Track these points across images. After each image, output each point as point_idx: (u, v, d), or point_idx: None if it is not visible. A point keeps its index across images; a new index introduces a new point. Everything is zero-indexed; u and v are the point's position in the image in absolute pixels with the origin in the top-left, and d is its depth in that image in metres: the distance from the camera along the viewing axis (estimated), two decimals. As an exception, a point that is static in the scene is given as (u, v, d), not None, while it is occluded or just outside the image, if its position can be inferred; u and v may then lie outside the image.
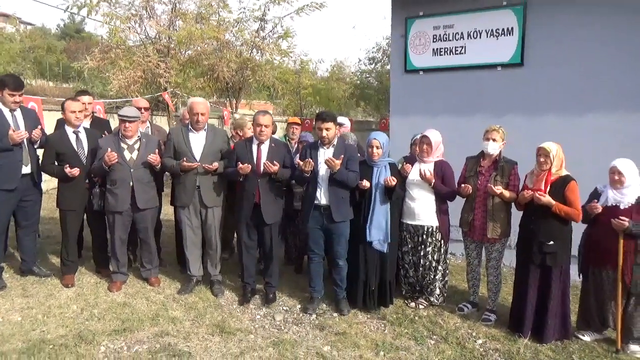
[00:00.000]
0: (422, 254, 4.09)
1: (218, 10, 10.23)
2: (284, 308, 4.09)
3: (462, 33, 5.67)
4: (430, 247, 4.08)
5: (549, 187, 3.51)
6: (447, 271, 4.29)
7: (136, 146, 4.15)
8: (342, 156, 3.78)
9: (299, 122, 5.50)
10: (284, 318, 3.89)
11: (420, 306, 4.15)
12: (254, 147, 4.02)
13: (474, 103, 5.59)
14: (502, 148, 3.93)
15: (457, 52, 5.73)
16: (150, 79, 9.07)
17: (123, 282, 4.37)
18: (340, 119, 5.53)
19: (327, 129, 3.82)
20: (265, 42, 10.85)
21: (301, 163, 3.79)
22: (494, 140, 3.86)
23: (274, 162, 3.88)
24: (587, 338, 3.66)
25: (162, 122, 10.28)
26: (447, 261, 4.28)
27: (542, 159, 3.54)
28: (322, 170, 3.86)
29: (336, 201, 3.84)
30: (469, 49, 5.64)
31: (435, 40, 5.85)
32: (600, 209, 3.44)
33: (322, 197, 3.88)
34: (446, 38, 5.78)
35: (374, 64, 15.88)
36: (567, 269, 3.59)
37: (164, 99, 9.11)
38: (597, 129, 4.88)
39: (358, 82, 15.68)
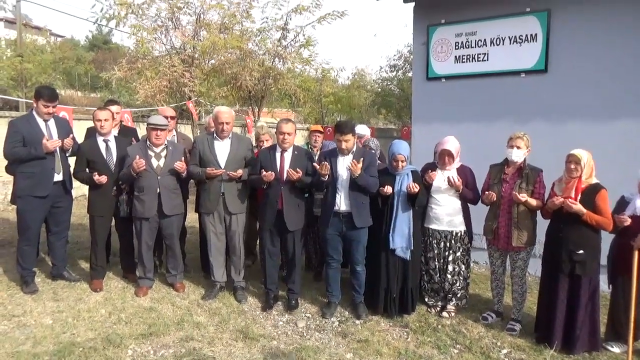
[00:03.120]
0: (450, 259, 4.08)
1: (241, 20, 10.38)
2: (307, 315, 4.11)
3: (484, 40, 5.64)
4: (459, 252, 4.08)
5: (579, 196, 3.45)
6: (470, 275, 4.27)
7: (163, 154, 4.25)
8: (363, 160, 3.80)
9: (322, 129, 5.53)
10: (307, 325, 3.92)
11: (451, 314, 4.12)
12: (277, 155, 4.08)
13: (496, 110, 5.55)
14: (527, 155, 3.89)
15: (479, 59, 5.70)
16: (175, 88, 9.27)
17: (149, 287, 4.46)
18: (359, 129, 5.56)
19: (346, 141, 3.86)
20: (287, 51, 10.96)
21: (318, 167, 3.83)
22: (518, 147, 3.83)
23: (297, 169, 3.92)
24: (616, 349, 3.57)
25: (186, 130, 10.49)
26: (470, 266, 4.25)
27: (572, 166, 3.48)
28: (343, 176, 3.90)
29: (357, 207, 3.87)
30: (491, 56, 5.61)
31: (457, 47, 5.83)
32: (629, 222, 3.35)
33: (341, 203, 3.91)
34: (468, 45, 5.76)
35: (395, 72, 15.88)
36: (596, 279, 3.52)
37: (188, 107, 9.29)
38: (624, 134, 4.78)
39: (379, 89, 15.69)
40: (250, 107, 11.52)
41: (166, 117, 4.63)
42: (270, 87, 10.94)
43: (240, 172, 4.16)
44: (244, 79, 10.06)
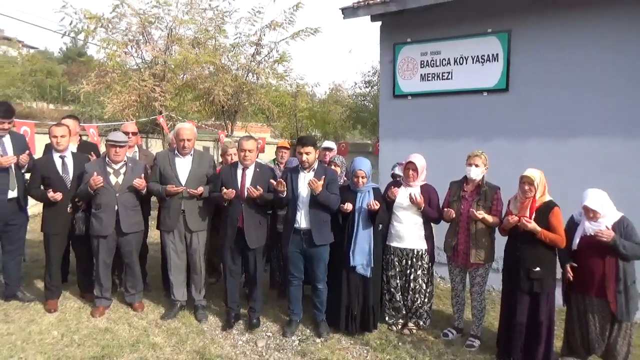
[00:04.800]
0: (412, 277, 4.08)
1: (214, 35, 10.40)
2: (267, 334, 4.05)
3: (448, 59, 5.77)
4: (420, 270, 4.08)
5: (534, 214, 3.52)
6: (433, 294, 4.28)
7: (122, 170, 4.18)
8: (324, 177, 3.81)
9: (288, 146, 5.56)
10: (267, 344, 3.86)
11: (412, 331, 4.12)
12: (239, 172, 4.06)
13: (461, 128, 5.65)
14: (485, 173, 3.96)
15: (444, 78, 5.82)
16: (145, 103, 9.18)
17: (106, 307, 4.34)
18: (327, 144, 5.62)
19: (307, 153, 3.87)
20: (260, 66, 11.01)
21: (274, 183, 3.82)
22: (476, 165, 3.89)
23: (258, 187, 3.90)
24: (571, 364, 3.63)
25: (157, 145, 10.36)
26: (433, 284, 4.26)
27: (526, 187, 3.56)
28: (303, 193, 3.90)
29: (317, 224, 3.86)
30: (455, 75, 5.73)
31: (422, 65, 5.94)
32: (575, 247, 3.46)
33: (302, 220, 3.90)
34: (433, 64, 5.88)
35: (369, 87, 16.08)
36: (552, 294, 3.57)
37: (159, 122, 9.20)
38: (580, 153, 4.92)
39: (354, 105, 15.86)
40: (224, 122, 11.47)
41: (127, 134, 4.58)
42: (243, 102, 10.94)
43: (201, 189, 4.12)
44: (217, 93, 10.03)
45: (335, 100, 16.55)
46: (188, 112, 10.73)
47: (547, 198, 3.60)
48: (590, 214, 3.38)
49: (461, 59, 5.69)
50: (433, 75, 5.89)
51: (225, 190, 3.90)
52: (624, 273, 3.30)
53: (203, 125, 11.97)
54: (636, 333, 4.26)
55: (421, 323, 4.18)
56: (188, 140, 4.13)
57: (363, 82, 16.60)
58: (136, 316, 4.27)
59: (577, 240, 3.48)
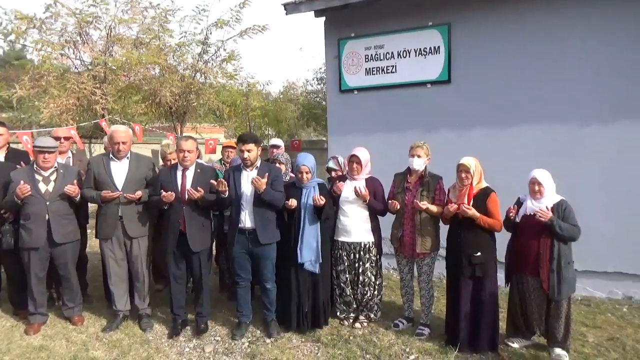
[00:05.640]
0: (360, 270, 4.07)
1: (159, 35, 10.05)
2: (216, 338, 3.94)
3: (392, 53, 5.83)
4: (369, 264, 4.08)
5: (472, 201, 3.59)
6: (382, 286, 4.29)
7: (52, 177, 3.95)
8: (268, 175, 3.74)
9: (234, 145, 5.43)
10: (214, 349, 3.75)
11: (364, 324, 4.12)
12: (179, 174, 3.92)
13: (407, 120, 5.72)
14: (428, 163, 4.00)
15: (388, 71, 5.88)
16: (86, 106, 8.74)
17: (42, 323, 4.09)
18: (274, 141, 5.55)
19: (248, 151, 3.78)
20: (208, 66, 10.74)
21: (214, 183, 3.72)
22: (418, 156, 3.93)
23: (199, 188, 3.78)
24: (516, 345, 3.73)
25: (100, 150, 9.92)
26: (382, 276, 4.28)
27: (463, 175, 3.63)
28: (246, 192, 3.81)
29: (262, 223, 3.79)
30: (399, 68, 5.80)
31: (367, 60, 5.98)
32: (513, 213, 3.58)
33: (246, 220, 3.81)
34: (377, 58, 5.92)
35: (322, 84, 16.06)
36: (494, 278, 3.66)
37: (101, 126, 8.79)
38: (520, 141, 5.09)
39: (305, 102, 15.80)
40: (172, 124, 11.13)
41: (59, 139, 4.34)
42: (192, 103, 10.63)
43: (139, 193, 3.95)
44: (163, 95, 9.70)
45: (289, 99, 16.45)
46: (134, 114, 10.31)
47: (484, 184, 3.69)
48: (536, 187, 3.50)
49: (404, 52, 5.76)
50: (378, 69, 5.93)
51: (164, 193, 3.75)
52: (558, 253, 3.41)
53: (151, 128, 11.56)
54: (577, 310, 4.49)
55: (372, 316, 4.19)
56: (123, 143, 3.95)
57: (315, 79, 16.58)
58: (75, 330, 4.05)
59: (520, 216, 3.60)
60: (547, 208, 3.45)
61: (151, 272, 5.07)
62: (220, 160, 5.46)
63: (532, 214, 3.51)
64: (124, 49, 8.96)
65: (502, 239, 3.74)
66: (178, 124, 11.08)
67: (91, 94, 8.45)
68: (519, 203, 3.69)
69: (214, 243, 4.84)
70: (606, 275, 4.88)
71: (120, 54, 8.86)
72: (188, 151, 3.85)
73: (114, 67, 8.99)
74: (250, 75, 15.89)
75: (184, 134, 3.84)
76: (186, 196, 3.80)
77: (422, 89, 5.67)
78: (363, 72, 6.01)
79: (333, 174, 4.58)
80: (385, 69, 5.90)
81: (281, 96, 17.01)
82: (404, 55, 5.78)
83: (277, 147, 5.45)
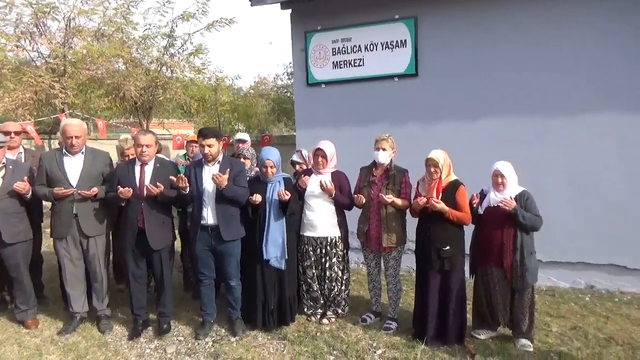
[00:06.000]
0: (327, 266, 4.01)
1: (121, 27, 9.72)
2: (179, 338, 3.82)
3: (359, 46, 5.77)
4: (335, 258, 4.02)
5: (441, 194, 3.58)
6: (350, 281, 4.25)
7: (0, 174, 3.72)
8: (229, 170, 3.62)
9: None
10: (177, 350, 3.63)
11: (331, 320, 4.07)
12: (137, 169, 3.76)
13: (374, 114, 5.69)
14: (393, 156, 3.97)
15: (356, 65, 5.82)
16: (44, 100, 8.39)
17: (-8, 328, 3.88)
18: (240, 136, 5.42)
19: (209, 146, 3.66)
20: (175, 59, 10.48)
21: (174, 179, 3.59)
22: (383, 149, 3.89)
23: (158, 183, 3.63)
24: (482, 336, 3.75)
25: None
26: (349, 271, 4.23)
27: (432, 169, 3.61)
28: (208, 188, 3.69)
29: (225, 220, 3.67)
30: (367, 61, 5.75)
31: (334, 53, 5.90)
32: (477, 201, 3.60)
33: (209, 216, 3.69)
34: (345, 51, 5.86)
35: (292, 79, 15.89)
36: (462, 272, 3.66)
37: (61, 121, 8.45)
38: (486, 133, 5.12)
39: (275, 96, 15.63)
40: (138, 119, 10.81)
41: (9, 133, 4.11)
42: (158, 97, 10.36)
43: (94, 190, 3.76)
44: (128, 89, 9.41)
45: (260, 94, 16.24)
46: (97, 109, 9.97)
47: (453, 177, 3.67)
48: (499, 179, 3.52)
49: (372, 46, 5.71)
50: (345, 63, 5.87)
51: (121, 189, 3.59)
52: (521, 244, 3.44)
53: (116, 124, 11.20)
54: (542, 300, 4.56)
55: (339, 311, 4.15)
56: (76, 137, 3.75)
57: (286, 73, 16.41)
58: (29, 334, 3.85)
59: (483, 208, 3.61)
60: (510, 197, 3.47)
61: (112, 271, 4.92)
62: (185, 155, 5.30)
63: (495, 205, 3.52)
64: (85, 41, 8.63)
65: (468, 231, 3.74)
66: (144, 119, 10.78)
67: (50, 88, 8.12)
68: (483, 195, 3.71)
69: (179, 240, 4.69)
70: (570, 266, 4.98)
71: (80, 46, 8.52)
72: (146, 145, 3.69)
73: (74, 60, 8.65)
74: (219, 69, 15.61)
75: (144, 129, 3.66)
76: (145, 192, 3.65)
77: (389, 83, 5.64)
78: (330, 66, 5.94)
79: (297, 167, 4.51)
80: (352, 63, 5.84)
81: (252, 91, 16.79)
82: (371, 49, 5.73)
83: (243, 141, 5.32)
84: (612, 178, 4.71)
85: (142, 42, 10.15)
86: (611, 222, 4.74)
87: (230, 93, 14.18)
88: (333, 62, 5.92)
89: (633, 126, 4.61)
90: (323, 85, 5.98)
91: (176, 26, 10.22)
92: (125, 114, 10.88)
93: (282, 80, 15.69)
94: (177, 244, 4.80)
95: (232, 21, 10.48)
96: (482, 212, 3.61)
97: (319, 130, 5.80)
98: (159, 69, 10.29)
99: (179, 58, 10.62)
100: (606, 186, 4.73)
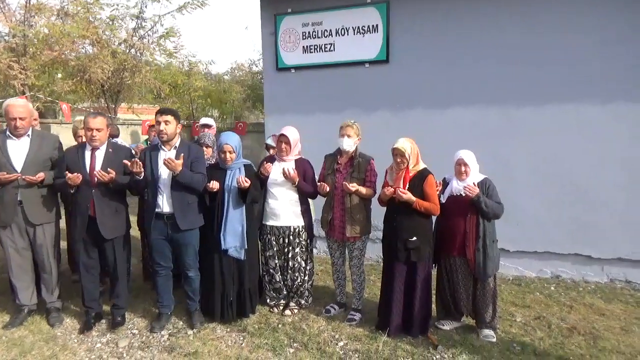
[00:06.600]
0: (290, 256, 3.89)
1: (87, 6, 9.31)
2: (133, 331, 3.65)
3: (330, 30, 5.61)
4: (298, 248, 3.90)
5: (408, 184, 3.47)
6: (313, 271, 4.14)
7: (-63, 158, 3.47)
8: (183, 155, 3.44)
9: (161, 124, 5.05)
10: (130, 343, 3.46)
11: (294, 311, 3.96)
12: (87, 154, 3.54)
13: (345, 100, 5.56)
14: (358, 144, 3.84)
15: (326, 50, 5.66)
16: (2, 81, 7.98)
17: None
18: (205, 120, 5.21)
19: (165, 122, 3.45)
20: (144, 42, 10.11)
21: (128, 163, 3.40)
22: (348, 136, 3.76)
23: (109, 169, 3.43)
24: (446, 327, 3.70)
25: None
26: (313, 261, 4.12)
27: (398, 159, 3.49)
28: (164, 174, 3.50)
29: (181, 208, 3.50)
30: (337, 46, 5.60)
31: (305, 37, 5.73)
32: (439, 189, 3.54)
33: (164, 204, 3.51)
34: (315, 35, 5.69)
35: (268, 65, 15.57)
36: (429, 263, 3.58)
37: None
38: (455, 122, 5.06)
39: (250, 83, 15.31)
40: (105, 104, 10.43)
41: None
42: (126, 81, 10.00)
43: (41, 175, 3.53)
44: (94, 71, 9.04)
45: (238, 81, 15.90)
46: (60, 92, 9.55)
47: (421, 166, 3.56)
48: (462, 167, 3.45)
49: (342, 30, 5.56)
50: (315, 47, 5.70)
51: (69, 175, 3.38)
52: (483, 232, 3.38)
53: (82, 108, 10.78)
54: (508, 290, 4.55)
55: (303, 302, 4.04)
56: (21, 119, 3.51)
57: (261, 59, 16.10)
58: (-29, 329, 3.64)
59: (445, 196, 3.54)
60: (473, 184, 3.40)
61: (68, 260, 4.70)
62: (146, 140, 5.08)
63: (458, 194, 3.45)
64: (47, 19, 8.22)
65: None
66: (112, 104, 10.41)
67: (8, 68, 7.71)
68: (445, 184, 3.63)
69: (139, 229, 4.51)
70: (536, 255, 4.99)
71: (42, 24, 8.11)
72: (97, 129, 3.48)
73: (35, 40, 8.24)
74: (192, 54, 15.18)
75: (93, 112, 3.42)
76: (95, 179, 3.44)
77: (360, 69, 5.51)
78: (300, 50, 5.76)
79: (272, 151, 4.34)
80: (323, 47, 5.68)
81: (226, 77, 16.43)
82: (342, 34, 5.58)
83: (208, 126, 5.09)
84: (578, 169, 4.71)
85: (110, 23, 9.76)
86: (576, 212, 4.75)
87: (204, 78, 13.83)
88: (303, 47, 5.75)
89: (598, 117, 4.60)
90: (293, 70, 5.82)
91: (145, 7, 9.87)
92: (92, 98, 10.46)
93: (257, 67, 15.36)
94: (139, 232, 4.62)
95: (204, 3, 10.16)
96: (444, 201, 3.53)
97: (288, 116, 5.64)
98: (127, 51, 9.93)
99: (148, 41, 10.26)
100: (573, 177, 4.73)
